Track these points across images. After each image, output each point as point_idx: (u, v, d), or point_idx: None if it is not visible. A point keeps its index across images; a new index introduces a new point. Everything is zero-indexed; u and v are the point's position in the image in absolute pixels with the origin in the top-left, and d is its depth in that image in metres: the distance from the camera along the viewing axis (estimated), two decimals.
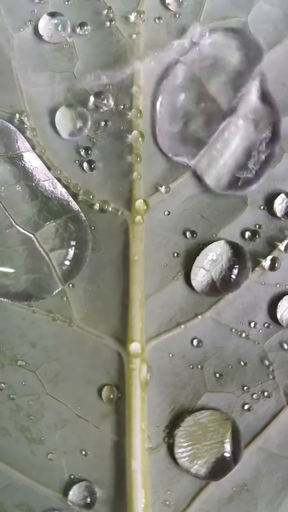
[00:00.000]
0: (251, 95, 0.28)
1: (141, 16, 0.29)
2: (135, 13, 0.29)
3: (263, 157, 0.28)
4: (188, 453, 0.28)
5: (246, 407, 0.29)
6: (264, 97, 0.28)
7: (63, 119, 0.29)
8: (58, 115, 0.28)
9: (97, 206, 0.29)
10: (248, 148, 0.28)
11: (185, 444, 0.28)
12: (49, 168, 0.29)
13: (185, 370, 0.29)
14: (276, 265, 0.29)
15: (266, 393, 0.29)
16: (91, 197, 0.29)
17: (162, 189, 0.29)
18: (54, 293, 0.29)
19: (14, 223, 0.28)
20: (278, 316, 0.29)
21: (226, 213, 0.29)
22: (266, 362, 0.29)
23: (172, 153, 0.28)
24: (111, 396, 0.29)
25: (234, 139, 0.28)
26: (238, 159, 0.28)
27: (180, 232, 0.29)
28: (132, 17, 0.29)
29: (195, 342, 0.29)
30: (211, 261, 0.28)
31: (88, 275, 0.29)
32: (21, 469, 0.29)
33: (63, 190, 0.29)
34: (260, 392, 0.29)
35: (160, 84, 0.29)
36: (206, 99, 0.28)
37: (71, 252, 0.28)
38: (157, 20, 0.29)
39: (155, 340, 0.29)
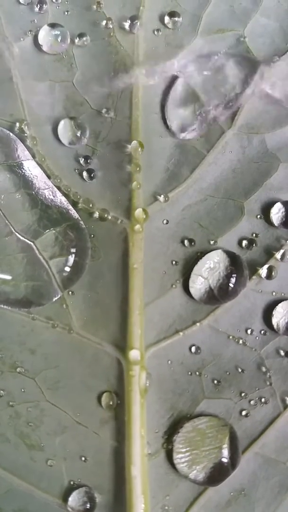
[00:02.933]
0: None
1: (141, 27, 0.29)
2: (135, 25, 0.29)
3: None
4: (186, 458, 0.28)
5: (243, 413, 0.29)
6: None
7: (63, 128, 0.29)
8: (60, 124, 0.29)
9: (96, 215, 0.29)
10: None
11: (184, 450, 0.28)
12: (49, 177, 0.29)
13: (184, 376, 0.29)
14: (273, 273, 0.29)
15: (263, 399, 0.29)
16: (90, 205, 0.29)
17: (161, 198, 0.29)
18: (54, 300, 0.29)
19: (13, 231, 0.28)
20: (274, 323, 0.29)
21: (223, 222, 0.29)
22: (263, 369, 0.29)
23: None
24: (111, 403, 0.29)
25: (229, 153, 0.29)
26: None
27: (179, 240, 0.29)
28: (132, 28, 0.29)
29: (193, 349, 0.29)
30: (209, 269, 0.29)
31: (88, 283, 0.29)
32: (21, 476, 0.29)
33: (63, 198, 0.29)
34: (257, 398, 0.29)
35: (159, 95, 0.29)
36: (203, 112, 0.29)
37: (71, 259, 0.29)
38: (156, 32, 0.29)
39: (154, 347, 0.29)
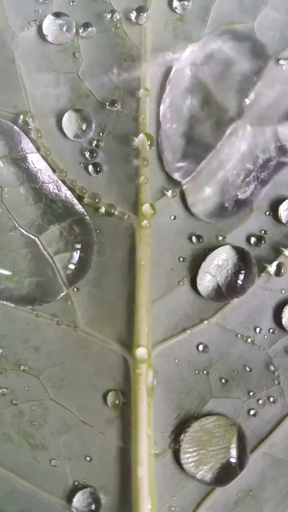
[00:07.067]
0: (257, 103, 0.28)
1: (148, 19, 0.28)
2: (141, 16, 0.28)
3: (270, 165, 0.28)
4: (193, 458, 0.28)
5: (251, 412, 0.29)
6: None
7: (68, 121, 0.28)
8: (64, 117, 0.28)
9: (103, 210, 0.28)
10: (251, 155, 0.28)
11: (191, 449, 0.28)
12: (53, 170, 0.28)
13: (191, 375, 0.29)
14: (282, 270, 0.29)
15: (271, 399, 0.29)
16: (97, 200, 0.28)
17: (169, 193, 0.29)
18: (59, 297, 0.28)
19: (17, 226, 0.28)
20: (283, 321, 0.29)
21: (232, 218, 0.29)
22: (272, 368, 0.29)
23: (170, 166, 0.28)
24: (117, 402, 0.28)
25: (240, 145, 0.28)
26: (235, 178, 0.28)
27: (186, 236, 0.29)
28: (138, 20, 0.28)
29: (200, 347, 0.29)
30: (217, 266, 0.28)
31: (93, 279, 0.29)
32: (24, 476, 0.29)
33: (68, 193, 0.28)
34: (265, 397, 0.29)
35: (167, 88, 0.28)
36: (212, 104, 0.28)
37: (76, 255, 0.28)
38: (163, 24, 0.29)
39: (161, 345, 0.29)
